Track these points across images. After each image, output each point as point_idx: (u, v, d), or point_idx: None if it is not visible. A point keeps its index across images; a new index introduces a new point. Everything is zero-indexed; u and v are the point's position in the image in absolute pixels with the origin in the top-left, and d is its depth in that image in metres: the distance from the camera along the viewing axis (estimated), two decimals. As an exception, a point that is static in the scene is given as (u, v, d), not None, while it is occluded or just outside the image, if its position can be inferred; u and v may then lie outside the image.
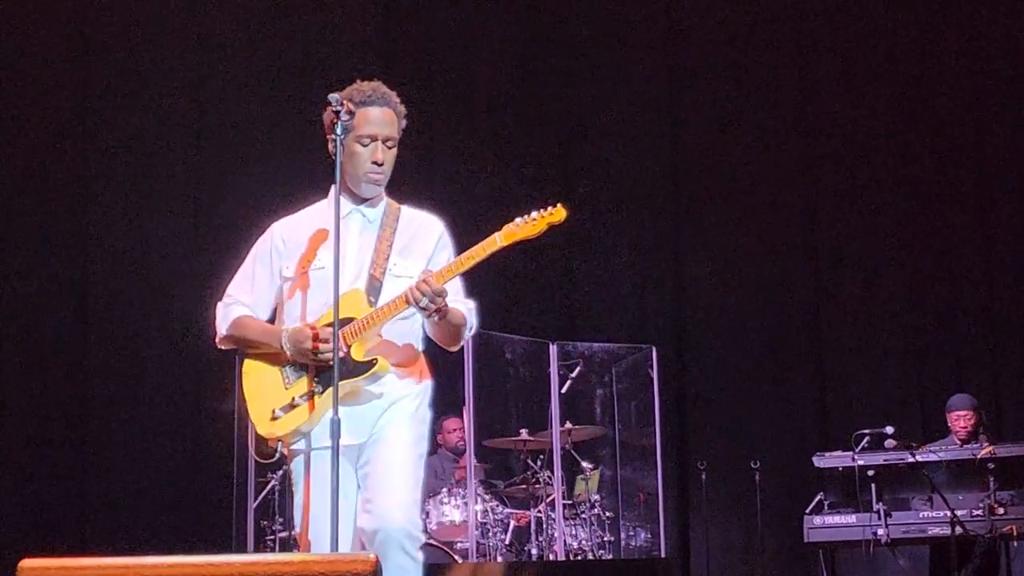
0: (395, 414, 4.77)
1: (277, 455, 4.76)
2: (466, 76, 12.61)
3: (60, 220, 11.48)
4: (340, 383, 4.52)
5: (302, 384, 4.70)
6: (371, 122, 4.79)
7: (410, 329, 4.87)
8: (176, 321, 11.25)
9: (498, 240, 4.69)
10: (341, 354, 4.55)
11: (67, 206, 11.54)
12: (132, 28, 11.85)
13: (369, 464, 4.72)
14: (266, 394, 4.80)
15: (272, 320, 4.99)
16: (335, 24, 12.21)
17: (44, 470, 10.95)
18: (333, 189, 4.74)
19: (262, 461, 4.89)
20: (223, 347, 5.11)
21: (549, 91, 12.63)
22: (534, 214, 4.74)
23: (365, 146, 4.77)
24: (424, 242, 4.93)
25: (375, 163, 4.78)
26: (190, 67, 11.94)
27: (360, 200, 4.90)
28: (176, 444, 11.29)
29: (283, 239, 4.96)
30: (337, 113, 4.61)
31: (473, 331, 5.00)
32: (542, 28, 12.65)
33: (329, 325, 4.55)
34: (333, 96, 4.66)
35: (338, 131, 4.63)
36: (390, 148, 4.84)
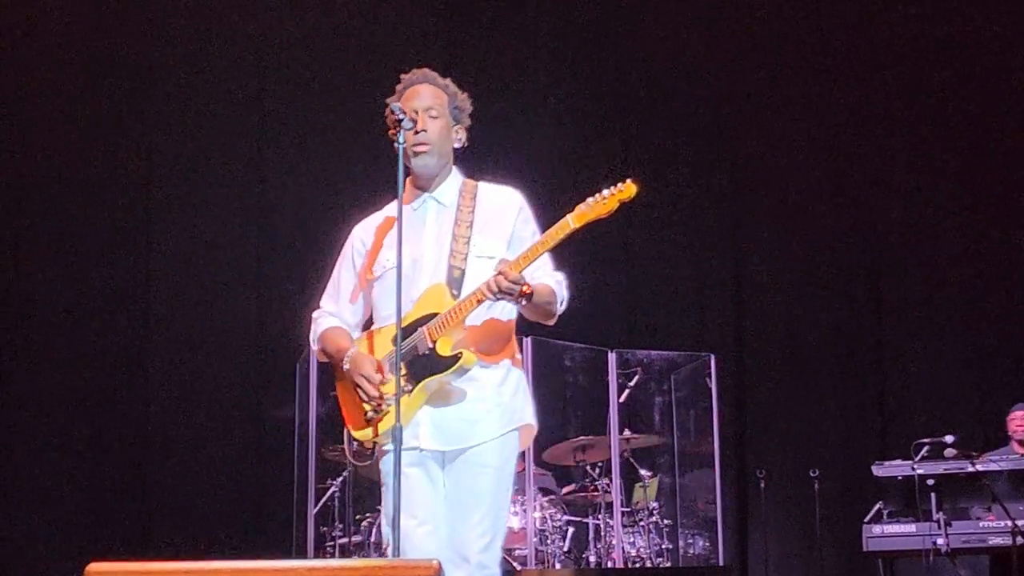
0: (482, 430, 4.74)
1: (373, 458, 4.75)
2: (526, 67, 12.56)
3: (123, 226, 11.59)
4: (429, 380, 4.60)
5: (392, 384, 4.60)
6: (410, 98, 4.85)
7: (498, 311, 4.81)
8: (238, 328, 11.34)
9: (571, 222, 4.60)
10: (427, 349, 4.61)
11: (129, 212, 11.64)
12: (194, 30, 11.95)
13: (453, 487, 4.71)
14: (358, 397, 4.76)
15: (369, 321, 4.99)
16: (395, 14, 12.22)
17: (108, 476, 11.05)
18: (407, 184, 4.77)
19: (359, 464, 4.88)
20: (321, 360, 5.14)
21: (607, 89, 12.59)
22: (604, 192, 4.66)
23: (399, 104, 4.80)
24: (503, 218, 4.89)
25: (417, 131, 4.78)
26: (251, 69, 12.02)
27: (432, 186, 4.91)
28: (237, 450, 11.37)
29: (363, 241, 4.99)
30: (399, 121, 4.63)
31: (565, 305, 4.89)
32: (606, 22, 12.62)
33: (406, 327, 4.57)
34: (395, 105, 4.71)
35: (400, 139, 4.64)
36: (434, 117, 4.84)
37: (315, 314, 5.09)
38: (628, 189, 4.68)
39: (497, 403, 4.78)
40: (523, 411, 4.89)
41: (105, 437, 11.11)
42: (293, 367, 10.38)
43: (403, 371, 4.58)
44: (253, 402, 11.44)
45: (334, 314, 5.02)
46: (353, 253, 5.01)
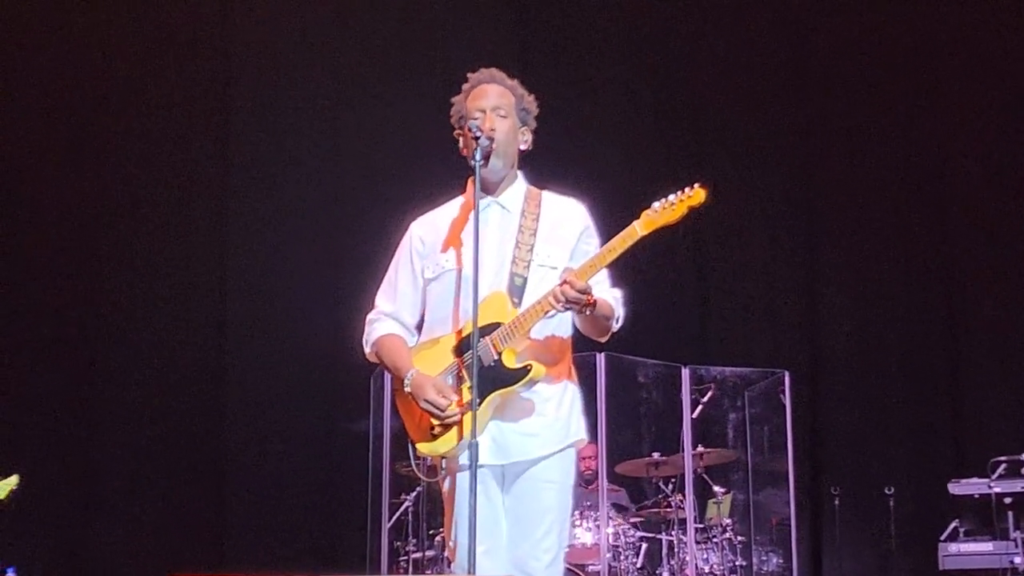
0: (542, 444, 4.69)
1: (443, 473, 4.70)
2: (597, 76, 12.54)
3: (198, 242, 11.67)
4: (496, 393, 4.54)
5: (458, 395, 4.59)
6: (477, 97, 4.83)
7: (557, 324, 4.75)
8: (312, 342, 11.38)
9: (638, 229, 4.52)
10: (492, 361, 4.54)
11: (205, 228, 11.73)
12: (269, 41, 12.01)
13: (514, 502, 4.68)
14: (420, 412, 4.70)
15: (421, 321, 4.95)
16: (468, 16, 12.26)
17: (186, 490, 11.12)
18: (470, 184, 4.74)
19: (428, 480, 4.83)
20: (373, 360, 5.08)
21: (680, 100, 12.54)
22: (672, 197, 4.56)
23: (476, 120, 4.74)
24: (567, 230, 4.83)
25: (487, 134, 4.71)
26: (326, 78, 12.08)
27: (497, 190, 4.86)
28: (311, 465, 11.42)
29: (421, 240, 4.94)
30: (477, 139, 4.61)
31: (621, 322, 4.81)
32: (679, 32, 12.59)
33: (467, 336, 4.53)
34: (472, 123, 4.69)
35: (477, 157, 4.61)
36: (502, 117, 4.80)
37: (370, 316, 5.04)
38: (697, 195, 4.56)
39: (556, 417, 4.73)
40: (579, 427, 4.85)
41: (183, 452, 11.19)
42: (367, 381, 10.42)
43: (468, 383, 4.52)
44: (327, 416, 11.49)
45: (391, 315, 4.96)
46: (412, 251, 4.96)
